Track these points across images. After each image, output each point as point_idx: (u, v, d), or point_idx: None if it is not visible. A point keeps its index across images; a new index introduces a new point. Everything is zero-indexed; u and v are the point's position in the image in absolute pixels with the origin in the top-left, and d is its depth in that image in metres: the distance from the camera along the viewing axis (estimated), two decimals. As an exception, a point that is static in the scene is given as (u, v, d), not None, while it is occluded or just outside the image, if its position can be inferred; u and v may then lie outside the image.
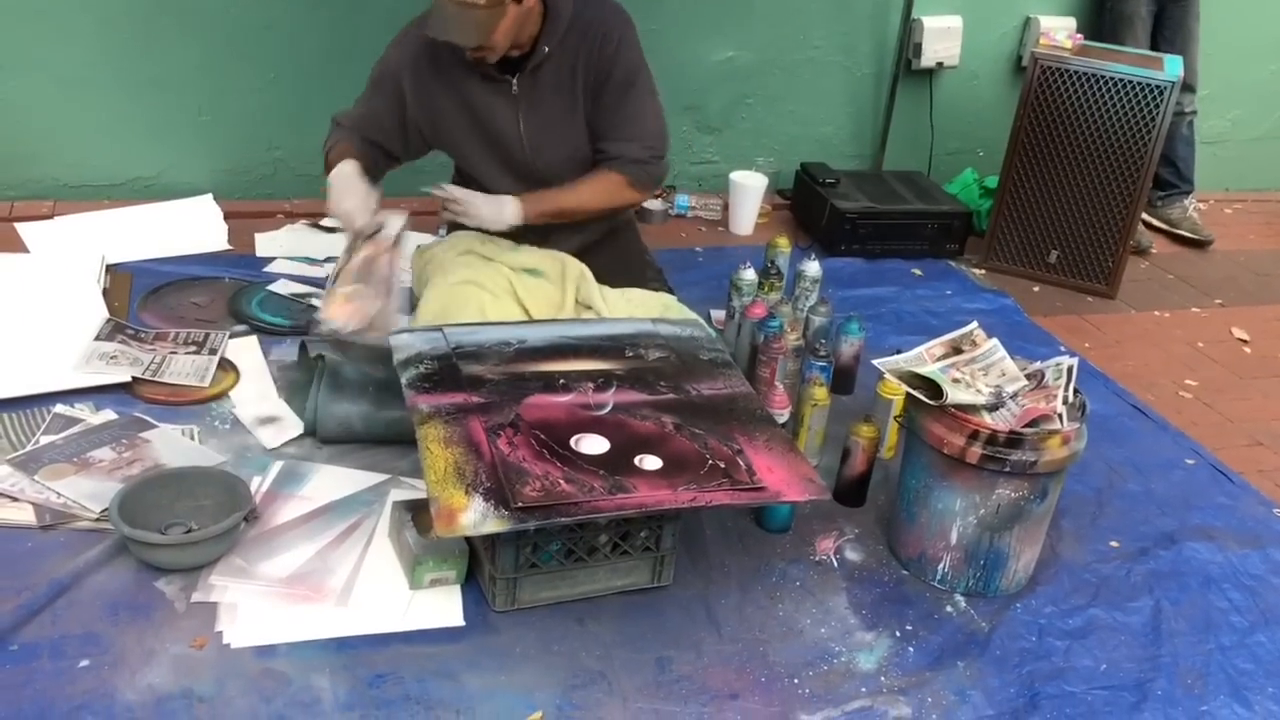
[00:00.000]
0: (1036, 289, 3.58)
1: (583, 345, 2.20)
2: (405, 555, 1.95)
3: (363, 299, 2.20)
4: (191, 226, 3.21)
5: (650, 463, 1.90)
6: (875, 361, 2.20)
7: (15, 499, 2.01)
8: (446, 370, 2.06)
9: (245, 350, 2.59)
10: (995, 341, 2.18)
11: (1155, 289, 3.71)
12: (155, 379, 2.41)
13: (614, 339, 2.24)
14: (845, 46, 3.90)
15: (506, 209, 2.37)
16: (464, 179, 2.55)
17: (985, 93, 4.11)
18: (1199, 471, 2.63)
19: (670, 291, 2.66)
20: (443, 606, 1.91)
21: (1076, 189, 3.48)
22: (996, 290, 3.49)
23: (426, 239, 2.86)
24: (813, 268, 2.91)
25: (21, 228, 3.05)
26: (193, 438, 2.27)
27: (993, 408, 2.02)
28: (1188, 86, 3.77)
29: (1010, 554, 2.08)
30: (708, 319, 2.75)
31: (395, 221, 2.27)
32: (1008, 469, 1.97)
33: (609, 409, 2.03)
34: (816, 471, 2.03)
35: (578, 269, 2.52)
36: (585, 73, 2.39)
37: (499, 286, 2.44)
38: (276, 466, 2.21)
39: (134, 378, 2.40)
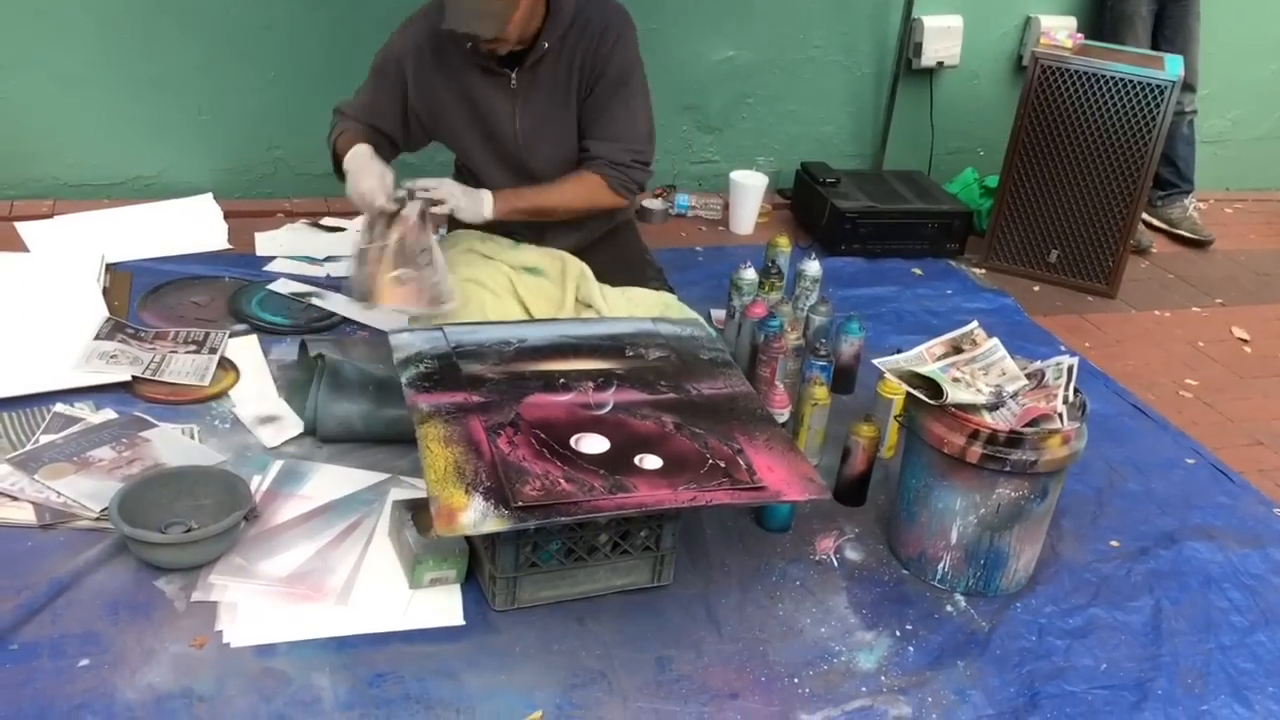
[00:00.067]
0: (1037, 288, 3.58)
1: (583, 344, 2.20)
2: (405, 554, 1.95)
3: (412, 279, 2.25)
4: (191, 226, 3.21)
5: (650, 462, 1.90)
6: (875, 361, 2.20)
7: (15, 498, 2.01)
8: (446, 369, 2.06)
9: (245, 349, 2.59)
10: (995, 341, 2.18)
11: (1155, 288, 3.71)
12: (155, 378, 2.41)
13: (614, 338, 2.24)
14: (846, 46, 3.90)
15: (484, 203, 2.37)
16: (463, 173, 2.56)
17: (986, 92, 4.10)
18: (1199, 471, 2.63)
19: (670, 290, 2.66)
20: (443, 606, 1.91)
21: (1077, 188, 3.47)
22: (997, 290, 3.49)
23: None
24: (813, 267, 2.91)
25: (21, 227, 3.05)
26: (193, 437, 2.27)
27: (993, 407, 2.02)
28: (1188, 86, 3.77)
29: (1010, 553, 2.08)
30: (708, 318, 2.75)
31: (414, 204, 2.28)
32: (1008, 468, 1.97)
33: (609, 408, 2.03)
34: (817, 471, 2.03)
35: (578, 268, 2.52)
36: (581, 69, 2.39)
37: (500, 285, 2.45)
38: (276, 466, 2.21)
39: (134, 377, 2.40)
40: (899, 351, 2.17)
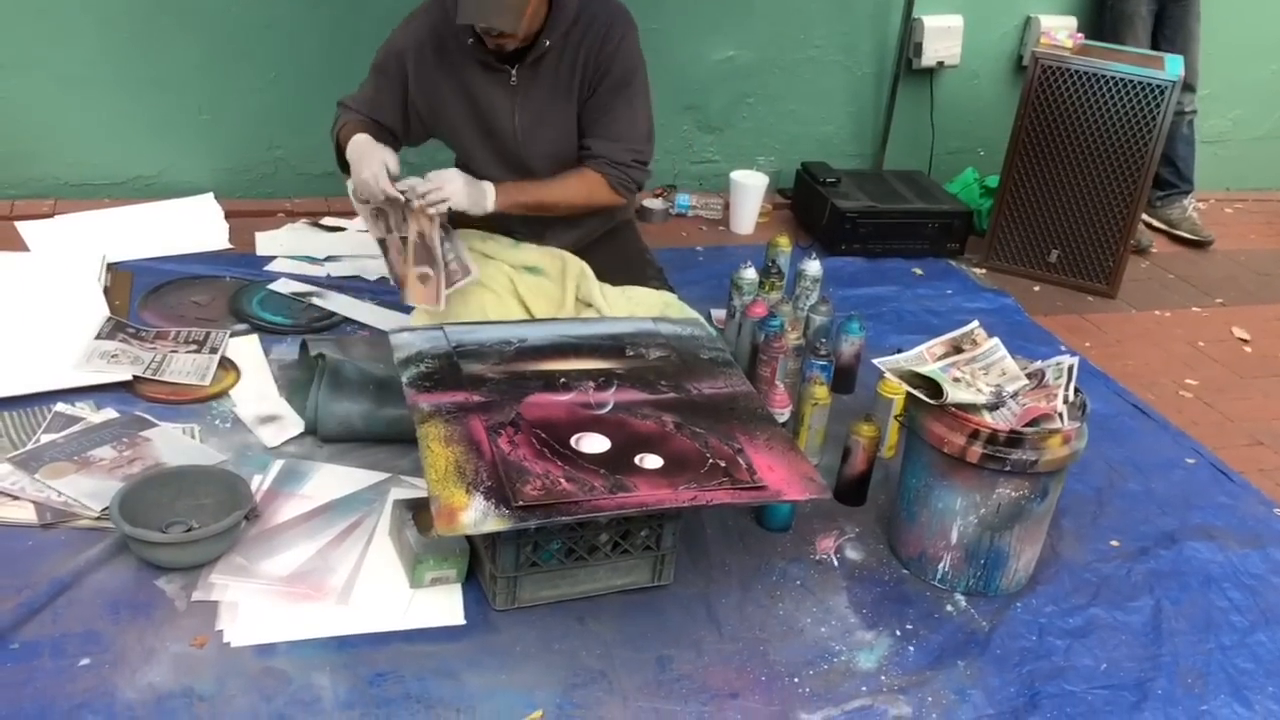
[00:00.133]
0: (1037, 288, 3.58)
1: (583, 344, 2.21)
2: (406, 554, 1.95)
3: (432, 279, 2.29)
4: (192, 225, 3.21)
5: (651, 462, 1.90)
6: (876, 361, 2.20)
7: (16, 497, 2.01)
8: (447, 369, 2.06)
9: (246, 349, 2.59)
10: (996, 341, 2.18)
11: (1156, 288, 3.71)
12: (156, 378, 2.41)
13: (615, 338, 2.24)
14: (846, 46, 3.90)
15: (487, 196, 2.36)
16: (462, 170, 2.56)
17: (986, 92, 4.10)
18: (1199, 471, 2.63)
19: (670, 290, 2.66)
20: (443, 605, 1.91)
21: (1077, 188, 3.47)
22: (997, 290, 3.49)
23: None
24: (813, 267, 2.91)
25: (22, 226, 3.05)
26: (193, 436, 2.27)
27: (993, 407, 2.02)
28: (1188, 86, 3.76)
29: (1010, 553, 2.08)
30: (708, 318, 2.75)
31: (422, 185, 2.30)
32: (1008, 468, 1.97)
33: (609, 408, 2.03)
34: (817, 470, 2.03)
35: (578, 267, 2.52)
36: (584, 68, 2.39)
37: (500, 285, 2.45)
38: (277, 465, 2.21)
39: (135, 376, 2.40)
40: (899, 351, 2.17)
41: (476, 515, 1.74)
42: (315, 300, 2.85)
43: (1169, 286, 3.74)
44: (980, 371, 2.11)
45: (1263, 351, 3.35)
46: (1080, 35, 3.58)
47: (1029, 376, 2.11)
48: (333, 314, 2.80)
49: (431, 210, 2.27)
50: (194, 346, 2.55)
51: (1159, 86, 3.29)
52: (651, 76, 2.50)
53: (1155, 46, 3.80)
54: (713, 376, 2.18)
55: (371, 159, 2.29)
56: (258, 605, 1.86)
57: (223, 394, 2.42)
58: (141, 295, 2.80)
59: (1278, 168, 4.66)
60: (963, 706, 1.85)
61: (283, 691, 1.71)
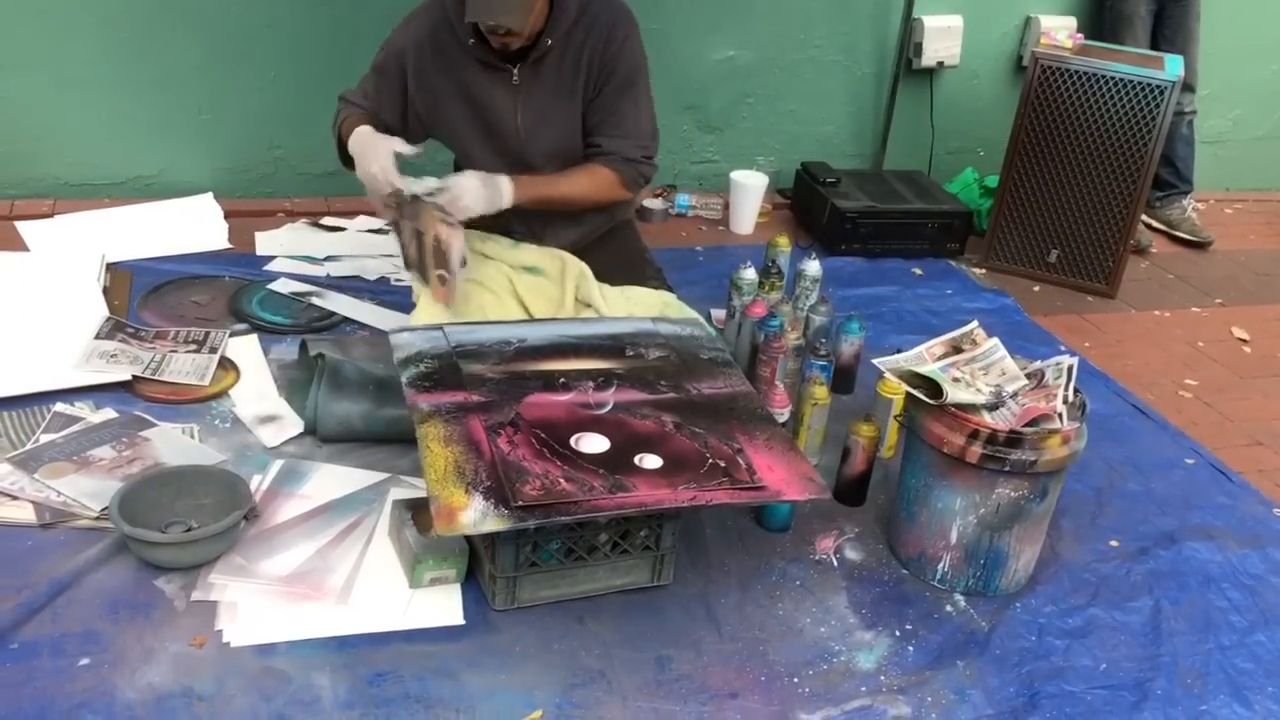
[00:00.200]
0: (1037, 288, 3.58)
1: (583, 344, 2.21)
2: (405, 554, 1.95)
3: (449, 281, 2.30)
4: (192, 225, 3.21)
5: (650, 462, 1.90)
6: (875, 361, 2.20)
7: (15, 497, 2.01)
8: (447, 369, 2.06)
9: (245, 349, 2.59)
10: (995, 341, 2.18)
11: (1155, 288, 3.71)
12: (155, 378, 2.41)
13: (614, 338, 2.24)
14: (846, 46, 3.90)
15: (503, 192, 2.34)
16: (460, 170, 2.56)
17: (986, 92, 4.10)
18: (1199, 471, 2.63)
19: (670, 290, 2.66)
20: (443, 605, 1.91)
21: (1077, 188, 3.48)
22: (997, 290, 3.49)
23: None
24: (813, 267, 2.91)
25: (22, 226, 3.05)
26: (193, 436, 2.27)
27: (993, 407, 2.02)
28: (1188, 86, 3.77)
29: (1010, 553, 2.08)
30: (708, 318, 2.75)
31: (428, 183, 2.29)
32: (1008, 468, 1.97)
33: (609, 408, 2.03)
34: (816, 471, 2.03)
35: (578, 267, 2.52)
36: (589, 67, 2.39)
37: (499, 285, 2.45)
38: (276, 465, 2.21)
39: (134, 376, 2.40)
40: (899, 351, 2.17)
41: (476, 515, 1.74)
42: (315, 300, 2.85)
43: (1169, 287, 3.74)
44: (980, 371, 2.11)
45: (1262, 352, 3.35)
46: (1080, 35, 3.58)
47: (1028, 377, 2.11)
48: (332, 314, 2.80)
49: (453, 222, 2.26)
50: (193, 346, 2.55)
51: (1159, 87, 3.29)
52: (652, 76, 2.50)
53: (1155, 47, 3.80)
54: (712, 376, 2.18)
55: (378, 151, 2.28)
56: (257, 605, 1.86)
57: (222, 394, 2.42)
58: (141, 295, 2.80)
59: (1277, 168, 4.66)
60: (962, 707, 1.85)
61: (282, 691, 1.71)
